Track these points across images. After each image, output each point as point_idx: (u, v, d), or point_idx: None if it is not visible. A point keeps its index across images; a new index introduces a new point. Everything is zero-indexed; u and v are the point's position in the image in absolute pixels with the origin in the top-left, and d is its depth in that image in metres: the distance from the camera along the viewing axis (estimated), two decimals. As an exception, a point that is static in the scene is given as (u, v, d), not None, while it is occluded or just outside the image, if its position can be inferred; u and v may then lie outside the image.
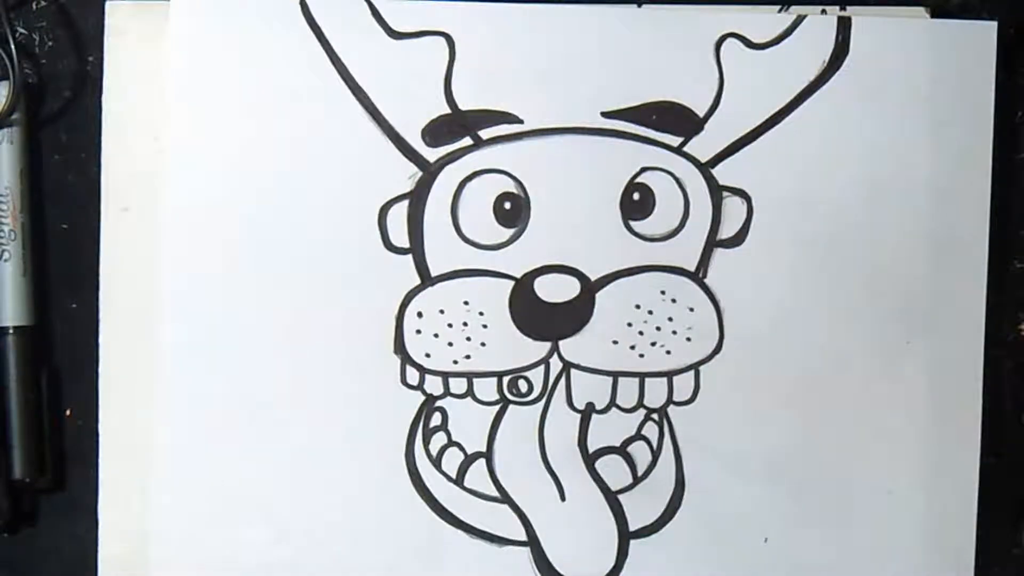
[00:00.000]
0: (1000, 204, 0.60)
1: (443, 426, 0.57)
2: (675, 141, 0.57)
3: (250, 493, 0.56)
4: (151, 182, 0.56)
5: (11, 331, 0.56)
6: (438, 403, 0.57)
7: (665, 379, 0.58)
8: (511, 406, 0.57)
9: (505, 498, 0.58)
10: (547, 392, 0.57)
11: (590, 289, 0.57)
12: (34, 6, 0.58)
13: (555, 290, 0.57)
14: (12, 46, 0.56)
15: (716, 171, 0.58)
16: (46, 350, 0.58)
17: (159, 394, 0.56)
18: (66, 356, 0.58)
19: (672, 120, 0.57)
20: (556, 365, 0.57)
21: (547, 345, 0.57)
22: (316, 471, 0.57)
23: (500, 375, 0.57)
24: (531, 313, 0.57)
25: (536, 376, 0.57)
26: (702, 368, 0.58)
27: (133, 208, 0.57)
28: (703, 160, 0.58)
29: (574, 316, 0.57)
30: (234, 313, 0.56)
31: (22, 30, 0.57)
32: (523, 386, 0.57)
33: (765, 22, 0.57)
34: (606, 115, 0.57)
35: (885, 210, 0.58)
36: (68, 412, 0.58)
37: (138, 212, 0.57)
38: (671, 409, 0.58)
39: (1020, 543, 0.61)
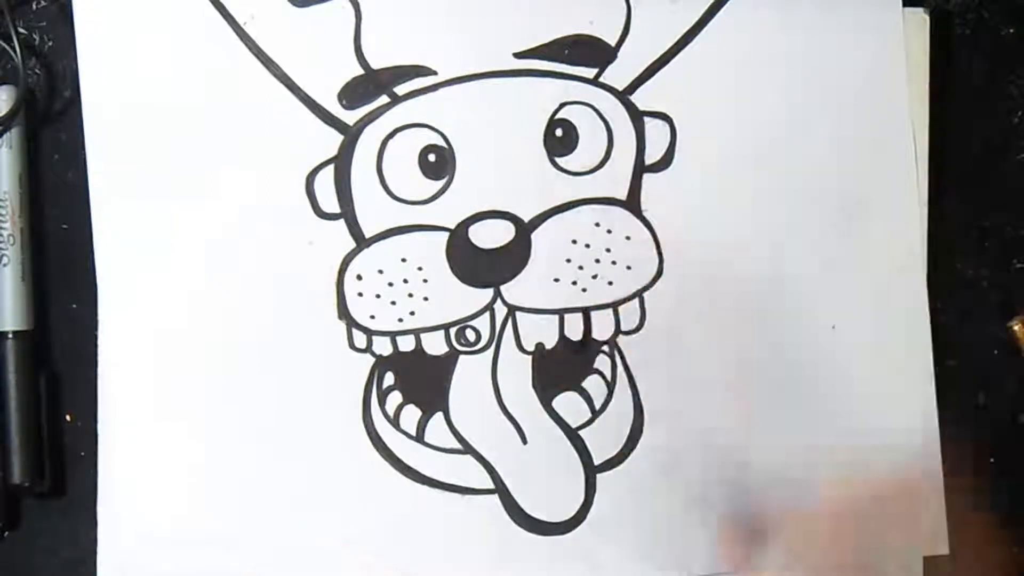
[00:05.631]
0: (1000, 204, 0.61)
1: (397, 385, 0.57)
2: (590, 73, 0.58)
3: (211, 475, 0.56)
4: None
5: (10, 336, 0.56)
6: (389, 363, 0.57)
7: (611, 310, 0.58)
8: (461, 357, 0.57)
9: (467, 449, 0.58)
10: (495, 338, 0.57)
11: (525, 230, 0.57)
12: (34, 6, 0.58)
13: (490, 236, 0.57)
14: (18, 53, 0.55)
15: (635, 97, 0.58)
16: (45, 354, 0.58)
17: (101, 383, 0.56)
18: (65, 359, 0.58)
19: (585, 52, 0.57)
20: (501, 310, 0.57)
21: (489, 292, 0.57)
22: (274, 446, 0.57)
23: (447, 327, 0.57)
24: (469, 262, 0.57)
25: (482, 324, 0.57)
26: (646, 295, 0.58)
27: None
28: (620, 88, 0.58)
29: (512, 259, 0.57)
30: (171, 300, 0.56)
31: (22, 30, 0.57)
32: (471, 335, 0.57)
33: (665, -59, 0.58)
34: (518, 55, 0.57)
35: (808, 114, 0.59)
36: (69, 417, 0.58)
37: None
38: (620, 339, 0.58)
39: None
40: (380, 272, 0.57)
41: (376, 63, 0.57)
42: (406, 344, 0.57)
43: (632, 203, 0.58)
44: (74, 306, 0.58)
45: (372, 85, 0.57)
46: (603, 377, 0.58)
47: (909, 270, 0.60)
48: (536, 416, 0.58)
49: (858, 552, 0.59)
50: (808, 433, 0.59)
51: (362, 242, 0.57)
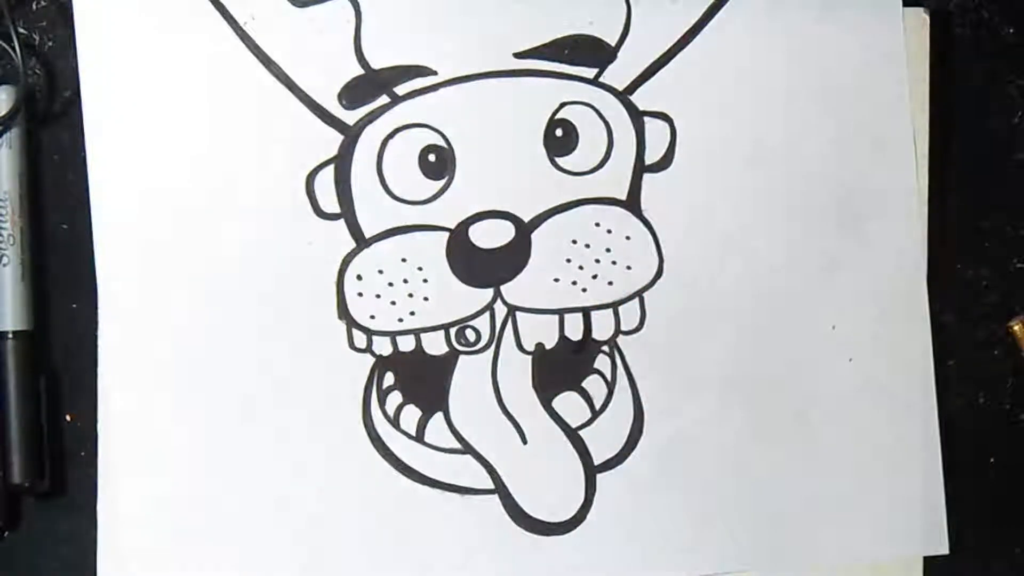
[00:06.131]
0: (1000, 204, 0.61)
1: (397, 385, 0.57)
2: (590, 73, 0.58)
3: (211, 474, 0.56)
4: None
5: (10, 336, 0.56)
6: (389, 363, 0.57)
7: (611, 310, 0.58)
8: (461, 357, 0.57)
9: (467, 448, 0.58)
10: (495, 338, 0.57)
11: (525, 230, 0.57)
12: (34, 6, 0.58)
13: (490, 236, 0.57)
14: (18, 53, 0.55)
15: (635, 97, 0.58)
16: (45, 354, 0.58)
17: (101, 383, 0.56)
18: (65, 359, 0.58)
19: (585, 52, 0.57)
20: (501, 310, 0.57)
21: (489, 292, 0.57)
22: (274, 446, 0.57)
23: (447, 327, 0.57)
24: (469, 262, 0.57)
25: (482, 324, 0.57)
26: (646, 295, 0.58)
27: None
28: (620, 88, 0.58)
29: (512, 259, 0.57)
30: (171, 300, 0.56)
31: (22, 30, 0.57)
32: (471, 335, 0.57)
33: (665, -59, 0.58)
34: (519, 55, 0.57)
35: (808, 114, 0.59)
36: (69, 417, 0.58)
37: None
38: (620, 339, 0.58)
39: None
40: (380, 272, 0.57)
41: (376, 63, 0.57)
42: (406, 344, 0.57)
43: (632, 203, 0.58)
44: (74, 306, 0.58)
45: (372, 85, 0.57)
46: (603, 377, 0.58)
47: (909, 270, 0.60)
48: (536, 416, 0.58)
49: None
50: (807, 433, 0.59)
51: (362, 242, 0.57)
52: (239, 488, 0.57)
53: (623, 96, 0.58)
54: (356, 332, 0.57)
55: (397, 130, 0.57)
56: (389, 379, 0.57)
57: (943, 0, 0.61)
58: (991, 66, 0.62)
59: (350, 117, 0.57)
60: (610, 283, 0.58)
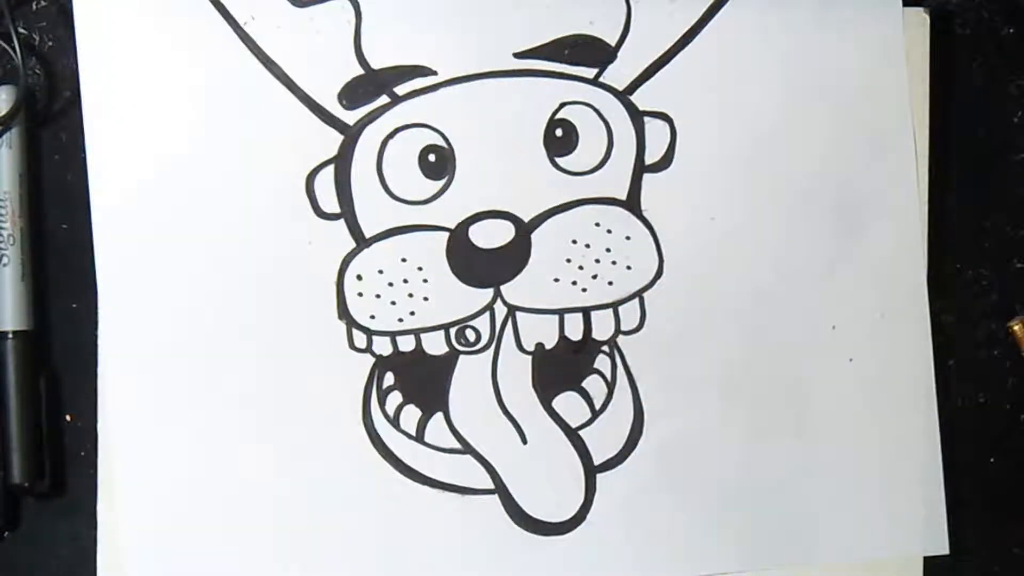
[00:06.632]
0: (1000, 204, 0.61)
1: (397, 385, 0.57)
2: (590, 73, 0.58)
3: (211, 474, 0.56)
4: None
5: (10, 335, 0.56)
6: (389, 363, 0.57)
7: (611, 310, 0.58)
8: (462, 356, 0.57)
9: (467, 449, 0.58)
10: (495, 338, 0.57)
11: (525, 230, 0.57)
12: (34, 6, 0.58)
13: (490, 236, 0.57)
14: (18, 53, 0.55)
15: (635, 97, 0.58)
16: (45, 354, 0.58)
17: (103, 388, 0.56)
18: (65, 359, 0.58)
19: (585, 52, 0.57)
20: (501, 310, 0.57)
21: (489, 292, 0.57)
22: (274, 446, 0.57)
23: (447, 327, 0.57)
24: (469, 262, 0.57)
25: (482, 324, 0.57)
26: (646, 295, 0.58)
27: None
28: (620, 88, 0.58)
29: (512, 259, 0.57)
30: (171, 300, 0.56)
31: (22, 30, 0.57)
32: (471, 335, 0.57)
33: (664, -59, 0.58)
34: (518, 55, 0.57)
35: (808, 114, 0.59)
36: (69, 417, 0.58)
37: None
38: (620, 339, 0.58)
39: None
40: (380, 272, 0.57)
41: (376, 63, 0.57)
42: (406, 344, 0.57)
43: (632, 203, 0.58)
44: (74, 306, 0.58)
45: (372, 85, 0.57)
46: (603, 377, 0.58)
47: (909, 270, 0.60)
48: (536, 416, 0.58)
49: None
50: (807, 433, 0.59)
51: (362, 242, 0.57)
52: (239, 488, 0.57)
53: (623, 96, 0.58)
54: (356, 332, 0.57)
55: (397, 130, 0.57)
56: (389, 379, 0.57)
57: (943, 0, 0.61)
58: (991, 66, 0.62)
59: (350, 117, 0.57)
60: (610, 283, 0.58)
